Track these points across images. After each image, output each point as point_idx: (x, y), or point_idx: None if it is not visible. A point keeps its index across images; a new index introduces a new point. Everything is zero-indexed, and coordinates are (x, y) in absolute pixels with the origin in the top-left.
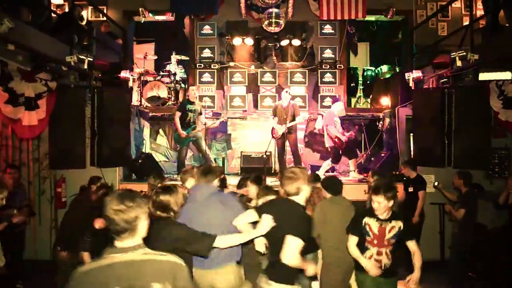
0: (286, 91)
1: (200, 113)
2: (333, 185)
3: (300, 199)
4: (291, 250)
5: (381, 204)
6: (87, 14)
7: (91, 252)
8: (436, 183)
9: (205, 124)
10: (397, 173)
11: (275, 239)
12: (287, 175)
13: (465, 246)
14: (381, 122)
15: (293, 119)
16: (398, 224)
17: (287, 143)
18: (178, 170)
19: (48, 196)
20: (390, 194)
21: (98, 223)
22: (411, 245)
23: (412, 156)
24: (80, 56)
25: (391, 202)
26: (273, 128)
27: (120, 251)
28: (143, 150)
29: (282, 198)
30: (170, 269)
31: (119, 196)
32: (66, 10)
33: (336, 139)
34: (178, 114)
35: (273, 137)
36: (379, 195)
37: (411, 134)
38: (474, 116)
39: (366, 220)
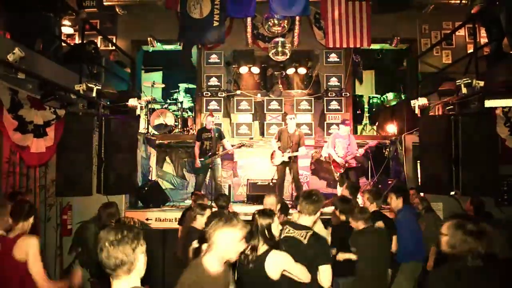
0: (291, 118)
1: (222, 138)
2: None
3: None
4: None
5: None
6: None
7: None
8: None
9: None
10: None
11: None
12: None
13: None
14: (387, 149)
15: (298, 147)
16: None
17: (287, 171)
18: None
19: (54, 223)
20: None
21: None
22: None
23: (419, 183)
24: (89, 85)
25: None
26: (273, 152)
27: None
28: (150, 178)
29: None
30: None
31: (115, 228)
32: (77, 40)
33: (332, 162)
34: (197, 144)
35: (271, 162)
36: None
37: (418, 161)
38: (481, 143)
39: None
